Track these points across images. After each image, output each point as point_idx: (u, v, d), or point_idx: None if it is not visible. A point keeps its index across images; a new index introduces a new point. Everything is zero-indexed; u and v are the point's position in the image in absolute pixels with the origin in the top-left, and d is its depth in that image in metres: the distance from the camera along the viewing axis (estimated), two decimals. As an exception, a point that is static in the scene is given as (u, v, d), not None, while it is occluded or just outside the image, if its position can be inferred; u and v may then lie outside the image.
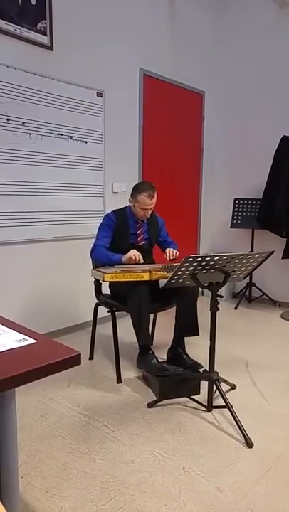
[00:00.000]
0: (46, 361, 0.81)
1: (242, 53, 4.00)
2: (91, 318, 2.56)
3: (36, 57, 2.62)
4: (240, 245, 4.11)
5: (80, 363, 0.86)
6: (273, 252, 1.94)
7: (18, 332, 0.98)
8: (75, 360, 0.85)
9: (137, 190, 2.37)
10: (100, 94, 3.06)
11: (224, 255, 1.74)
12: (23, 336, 0.95)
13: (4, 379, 0.74)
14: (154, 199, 2.36)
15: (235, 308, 3.82)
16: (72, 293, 3.05)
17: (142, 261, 2.24)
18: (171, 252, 2.39)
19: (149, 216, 2.43)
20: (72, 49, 2.83)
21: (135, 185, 2.41)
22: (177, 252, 2.42)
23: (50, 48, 2.68)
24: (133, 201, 2.39)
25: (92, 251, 2.38)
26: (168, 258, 2.38)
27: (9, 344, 0.90)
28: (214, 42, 4.11)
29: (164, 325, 2.81)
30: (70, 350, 0.86)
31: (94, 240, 2.42)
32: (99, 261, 2.35)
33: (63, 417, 1.89)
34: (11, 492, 0.87)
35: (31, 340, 0.92)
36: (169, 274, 1.85)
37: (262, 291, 3.91)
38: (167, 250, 2.42)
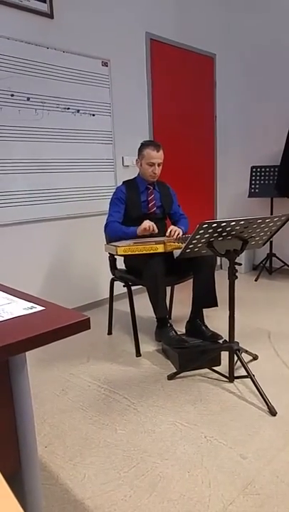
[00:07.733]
0: (55, 325, 0.78)
1: (256, 11, 3.75)
2: (108, 294, 2.54)
3: (37, 27, 2.52)
4: (259, 215, 3.97)
5: (89, 328, 0.83)
6: (293, 214, 1.84)
7: (26, 300, 0.95)
8: (84, 324, 0.81)
9: (142, 146, 2.35)
10: (105, 64, 2.94)
11: (241, 220, 1.66)
12: (31, 304, 0.92)
13: (13, 343, 0.71)
14: (161, 153, 2.31)
15: (256, 280, 3.73)
16: (88, 270, 3.04)
17: (156, 231, 2.18)
18: (174, 232, 2.22)
19: (157, 173, 2.34)
20: (73, 16, 2.71)
21: (140, 144, 2.38)
22: (180, 232, 2.25)
23: (51, 15, 2.57)
24: (140, 159, 2.35)
25: (105, 227, 2.35)
26: (173, 237, 2.19)
27: (17, 312, 0.87)
28: None
29: (181, 298, 2.77)
30: (80, 314, 0.83)
31: (106, 215, 2.37)
32: (114, 236, 2.31)
33: (84, 391, 1.89)
34: (30, 456, 0.86)
35: (40, 308, 0.89)
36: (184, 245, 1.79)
37: (283, 262, 3.79)
38: (171, 228, 2.25)
